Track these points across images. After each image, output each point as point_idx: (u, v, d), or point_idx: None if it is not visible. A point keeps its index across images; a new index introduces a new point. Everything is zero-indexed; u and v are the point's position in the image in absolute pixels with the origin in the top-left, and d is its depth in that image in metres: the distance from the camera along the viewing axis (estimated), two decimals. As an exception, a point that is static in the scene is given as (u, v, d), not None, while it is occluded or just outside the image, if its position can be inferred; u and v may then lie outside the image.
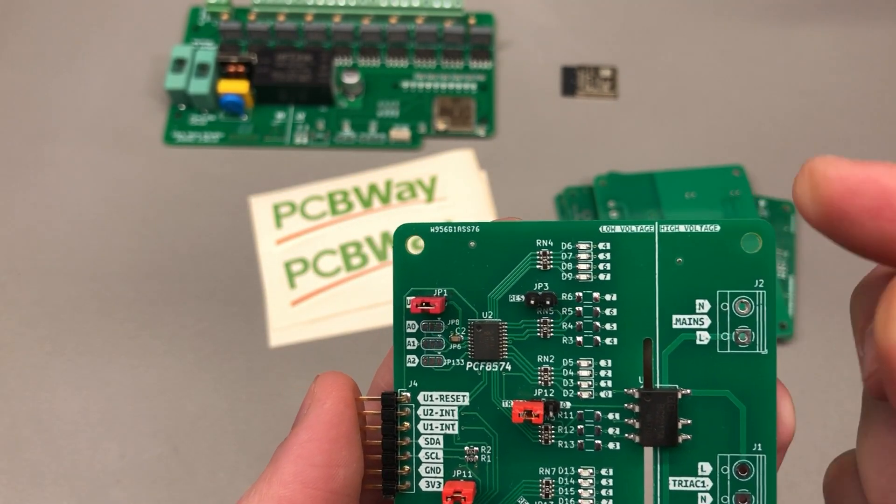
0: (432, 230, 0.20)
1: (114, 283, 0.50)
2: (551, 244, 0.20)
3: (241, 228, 0.51)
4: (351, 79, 0.55)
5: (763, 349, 0.19)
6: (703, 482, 0.19)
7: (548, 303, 0.19)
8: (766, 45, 0.58)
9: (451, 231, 0.20)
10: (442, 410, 0.20)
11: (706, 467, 0.19)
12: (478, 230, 0.20)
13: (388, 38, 0.57)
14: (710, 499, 0.19)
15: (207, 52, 0.55)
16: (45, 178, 0.53)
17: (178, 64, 0.54)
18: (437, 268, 0.20)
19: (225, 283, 0.50)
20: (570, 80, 0.56)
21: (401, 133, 0.54)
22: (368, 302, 0.49)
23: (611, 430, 0.19)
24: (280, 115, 0.55)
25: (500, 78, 0.57)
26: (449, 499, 0.19)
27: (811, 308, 0.48)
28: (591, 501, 0.20)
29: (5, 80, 0.57)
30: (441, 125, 0.54)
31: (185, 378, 0.47)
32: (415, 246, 0.20)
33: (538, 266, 0.20)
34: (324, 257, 0.50)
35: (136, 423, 0.46)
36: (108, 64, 0.58)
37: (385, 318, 0.49)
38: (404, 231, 0.20)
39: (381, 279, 0.50)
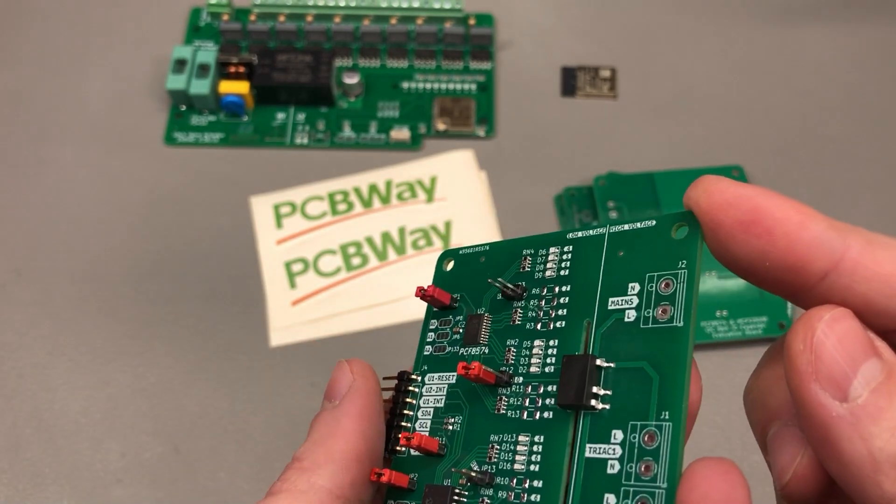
0: (461, 252, 0.25)
1: (114, 283, 0.50)
2: (532, 252, 0.24)
3: (241, 228, 0.51)
4: (351, 79, 0.55)
5: (679, 322, 0.20)
6: (613, 449, 0.20)
7: (519, 295, 0.23)
8: (766, 45, 0.58)
9: (470, 251, 0.25)
10: (437, 388, 0.24)
11: (618, 435, 0.20)
12: (487, 248, 0.25)
13: (388, 38, 0.57)
14: (618, 466, 0.20)
15: (208, 52, 0.55)
16: (46, 178, 0.53)
17: (179, 64, 0.54)
18: (459, 279, 0.25)
19: (225, 283, 0.50)
20: (570, 81, 0.57)
21: (401, 133, 0.54)
22: (368, 302, 0.49)
23: (548, 401, 0.21)
24: (280, 116, 0.55)
25: (500, 78, 0.57)
26: (405, 440, 0.22)
27: (811, 308, 0.48)
28: (523, 466, 0.21)
29: (7, 81, 0.57)
30: (441, 125, 0.55)
31: (185, 378, 0.47)
32: (448, 264, 0.25)
33: (521, 269, 0.24)
34: (324, 257, 0.51)
35: (136, 422, 0.46)
36: (109, 64, 0.58)
37: (385, 318, 0.49)
38: (444, 255, 0.26)
39: (381, 279, 0.50)
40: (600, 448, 0.20)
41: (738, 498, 0.17)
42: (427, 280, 0.25)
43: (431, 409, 0.24)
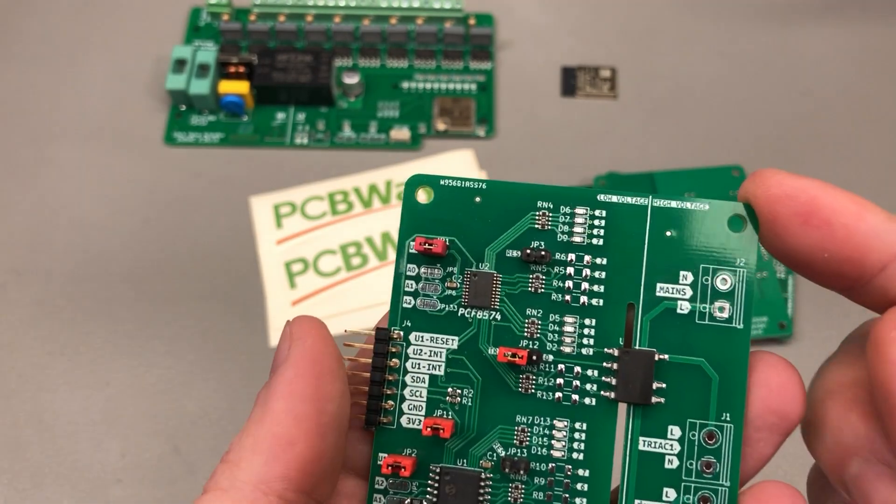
0: (442, 182, 0.21)
1: (114, 283, 0.50)
2: (551, 206, 0.21)
3: (241, 228, 0.51)
4: (351, 79, 0.55)
5: (739, 324, 0.20)
6: (671, 445, 0.20)
7: (542, 259, 0.20)
8: (766, 45, 0.58)
9: (459, 185, 0.21)
10: (431, 351, 0.21)
11: (676, 431, 0.20)
12: (484, 187, 0.21)
13: (388, 38, 0.57)
14: (676, 462, 0.20)
15: (208, 52, 0.55)
16: (46, 178, 0.53)
17: (179, 64, 0.54)
18: (442, 217, 0.21)
19: (225, 283, 0.50)
20: (570, 81, 0.57)
21: (401, 133, 0.54)
22: (368, 302, 0.49)
23: (588, 386, 0.20)
24: (280, 116, 0.55)
25: (500, 78, 0.57)
26: (429, 429, 0.20)
27: (811, 308, 0.48)
28: (563, 453, 0.20)
29: (7, 80, 0.57)
30: (441, 125, 0.55)
31: (185, 378, 0.47)
32: (424, 195, 0.21)
33: (536, 225, 0.21)
34: (324, 257, 0.51)
35: (136, 422, 0.46)
36: (109, 64, 0.58)
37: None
38: (415, 180, 0.21)
39: (381, 279, 0.50)
40: (656, 442, 0.20)
41: None
42: None
43: (425, 376, 0.21)
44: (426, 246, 0.20)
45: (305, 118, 0.55)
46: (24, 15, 0.60)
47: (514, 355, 0.20)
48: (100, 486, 0.44)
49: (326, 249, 0.51)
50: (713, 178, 0.51)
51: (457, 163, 0.53)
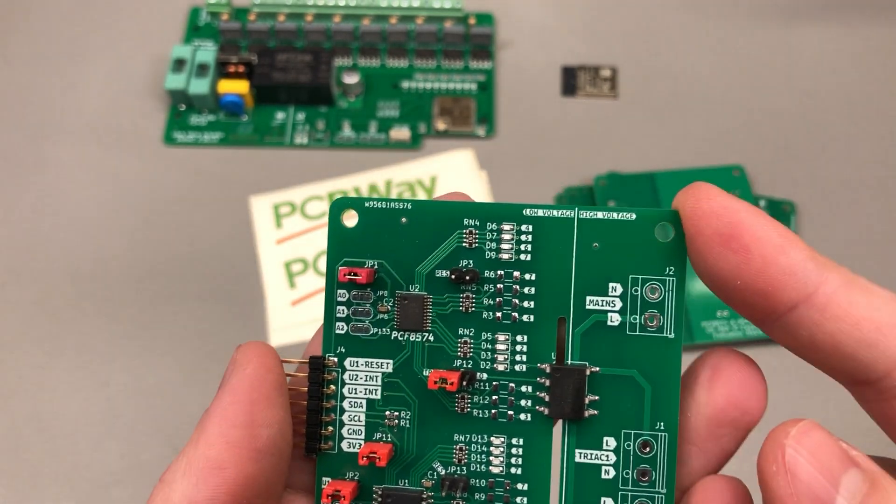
0: (367, 204, 0.21)
1: (114, 283, 0.50)
2: (477, 224, 0.21)
3: (241, 228, 0.51)
4: (351, 79, 0.55)
5: (670, 333, 0.20)
6: (607, 456, 0.20)
7: (470, 279, 0.20)
8: (766, 45, 0.58)
9: (384, 206, 0.21)
10: (366, 376, 0.21)
11: (611, 442, 0.20)
12: (410, 207, 0.21)
13: (388, 38, 0.57)
14: (612, 472, 0.20)
15: (207, 52, 0.55)
16: (45, 178, 0.53)
17: (179, 64, 0.54)
18: (369, 240, 0.21)
19: (225, 283, 0.50)
20: (570, 80, 0.57)
21: (401, 133, 0.54)
22: (368, 302, 0.49)
23: (523, 402, 0.20)
24: (280, 115, 0.55)
25: (500, 78, 0.57)
26: (365, 458, 0.20)
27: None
28: (502, 469, 0.20)
29: (6, 80, 0.57)
30: (441, 125, 0.54)
31: (185, 378, 0.47)
32: (349, 218, 0.21)
33: (464, 244, 0.21)
34: (324, 257, 0.50)
35: (136, 423, 0.46)
36: (108, 64, 0.58)
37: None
38: (340, 204, 0.21)
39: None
40: (592, 454, 0.20)
41: None
42: None
43: (363, 401, 0.21)
44: (350, 277, 0.20)
45: (305, 118, 0.55)
46: (24, 15, 0.60)
47: (444, 381, 0.20)
48: (100, 487, 0.44)
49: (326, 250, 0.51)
50: (713, 179, 0.51)
51: (457, 163, 0.53)
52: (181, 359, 0.47)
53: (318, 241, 0.51)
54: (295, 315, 0.49)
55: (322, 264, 0.50)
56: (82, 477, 0.45)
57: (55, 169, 0.54)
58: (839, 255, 0.50)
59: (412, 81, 0.56)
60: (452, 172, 0.53)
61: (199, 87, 0.54)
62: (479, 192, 0.52)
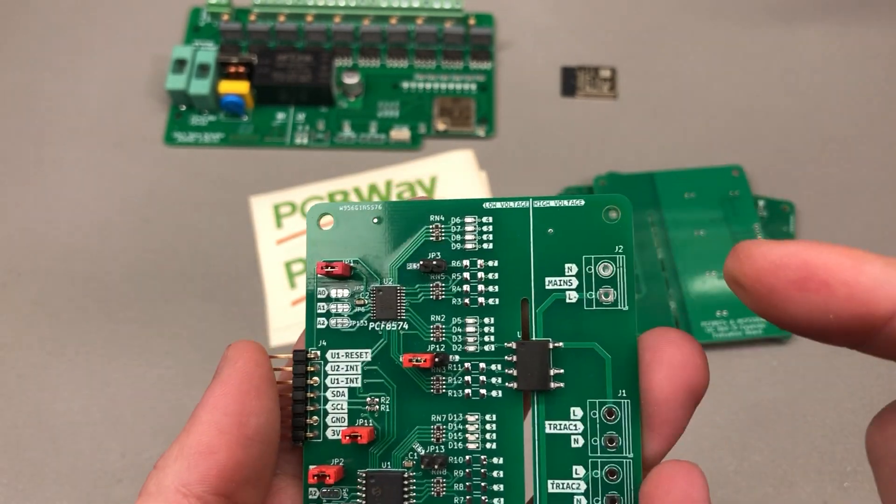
0: (341, 209, 0.23)
1: (114, 283, 0.50)
2: (443, 219, 0.22)
3: (241, 228, 0.51)
4: (351, 79, 0.55)
5: (624, 306, 0.21)
6: (575, 425, 0.21)
7: (439, 269, 0.22)
8: (766, 45, 0.58)
9: (357, 209, 0.23)
10: (347, 366, 0.22)
11: (577, 412, 0.21)
12: (380, 208, 0.23)
13: (388, 38, 0.57)
14: (581, 440, 0.21)
15: (208, 52, 0.55)
16: (46, 178, 0.53)
17: (179, 64, 0.54)
18: (345, 241, 0.23)
19: (225, 283, 0.50)
20: (570, 81, 0.57)
21: (401, 133, 0.54)
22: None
23: (494, 380, 0.22)
24: (280, 116, 0.55)
25: (500, 78, 0.57)
26: (347, 437, 0.21)
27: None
28: (478, 444, 0.22)
29: (6, 80, 0.57)
30: (441, 125, 0.55)
31: (185, 378, 0.47)
32: (326, 223, 0.23)
33: (431, 238, 0.22)
34: (324, 257, 0.50)
35: (136, 422, 0.46)
36: (108, 64, 0.58)
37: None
38: (316, 210, 0.23)
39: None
40: (561, 424, 0.21)
41: (697, 498, 0.18)
42: None
43: (345, 390, 0.22)
44: (327, 269, 0.22)
45: (305, 118, 0.55)
46: (24, 15, 0.60)
47: (417, 360, 0.21)
48: (100, 486, 0.44)
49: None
50: (713, 178, 0.51)
51: (457, 163, 0.53)
52: (181, 359, 0.48)
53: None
54: (295, 315, 0.49)
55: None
56: (82, 477, 0.45)
57: (56, 169, 0.54)
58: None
59: (412, 82, 0.56)
60: (452, 173, 0.53)
61: (200, 87, 0.54)
62: (480, 192, 0.52)
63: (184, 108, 0.55)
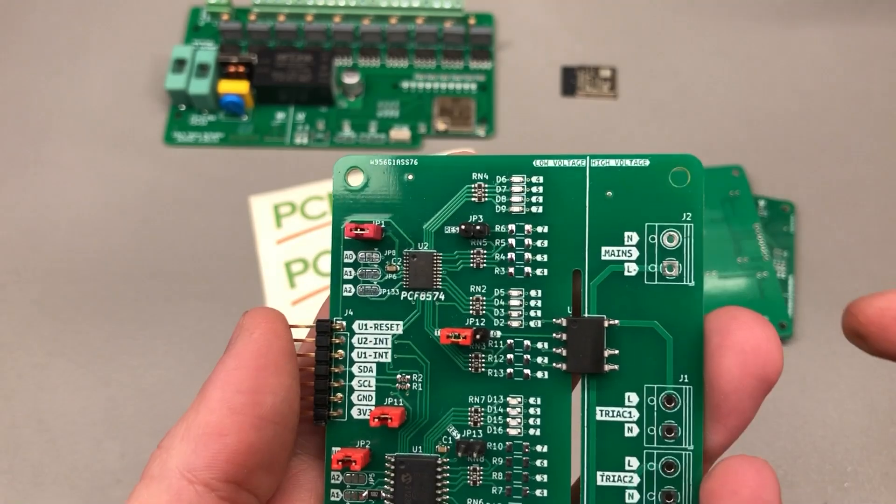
0: (371, 162, 0.20)
1: (114, 283, 0.50)
2: (486, 178, 0.20)
3: (241, 228, 0.51)
4: (351, 79, 0.55)
5: (690, 281, 0.19)
6: (629, 412, 0.19)
7: (481, 234, 0.20)
8: (766, 45, 0.58)
9: (389, 164, 0.20)
10: (376, 339, 0.20)
11: (633, 398, 0.19)
12: (416, 163, 0.20)
13: (388, 38, 0.57)
14: (636, 429, 0.19)
15: (208, 52, 0.55)
16: (46, 178, 0.53)
17: (179, 64, 0.54)
18: (375, 199, 0.20)
19: (225, 283, 0.50)
20: (570, 80, 0.57)
21: (401, 133, 0.54)
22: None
23: (539, 360, 0.20)
24: (280, 116, 0.55)
25: (500, 78, 0.57)
26: (376, 419, 0.19)
27: (811, 308, 0.48)
28: (520, 430, 0.20)
29: (6, 80, 0.57)
30: (441, 125, 0.54)
31: (185, 378, 0.47)
32: (355, 177, 0.20)
33: (473, 199, 0.20)
34: (324, 257, 0.51)
35: (136, 422, 0.46)
36: (108, 64, 0.58)
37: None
38: (344, 162, 0.20)
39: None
40: (614, 411, 0.19)
41: (768, 499, 0.17)
42: None
43: (373, 365, 0.20)
44: (357, 232, 0.20)
45: (305, 118, 0.55)
46: (24, 15, 0.60)
47: (457, 336, 0.19)
48: (100, 487, 0.44)
49: (326, 249, 0.51)
50: (713, 178, 0.51)
51: (457, 163, 0.53)
52: (181, 359, 0.47)
53: (318, 241, 0.51)
54: (296, 315, 0.49)
55: (322, 264, 0.50)
56: (82, 477, 0.45)
57: (55, 169, 0.54)
58: (839, 254, 0.50)
59: (412, 81, 0.56)
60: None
61: (200, 87, 0.54)
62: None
63: (183, 107, 0.55)
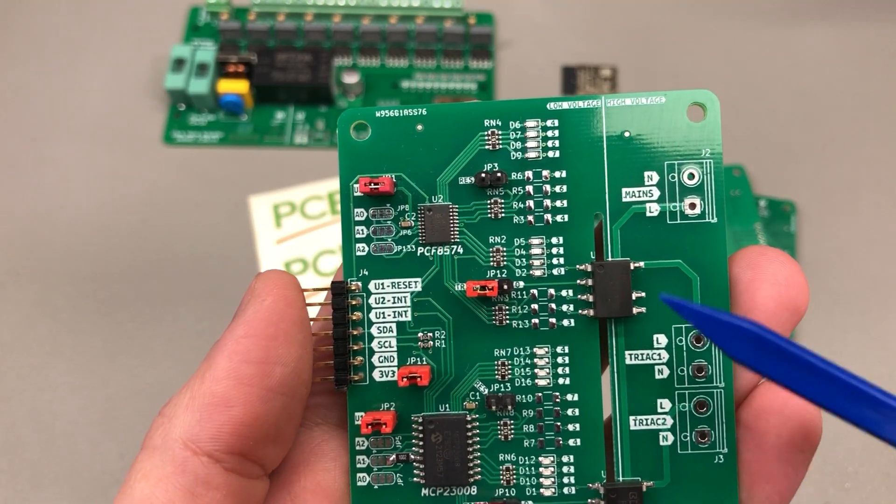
0: (378, 114, 0.20)
1: (114, 283, 0.50)
2: (499, 124, 0.19)
3: (241, 228, 0.51)
4: (351, 78, 0.55)
5: (713, 217, 0.19)
6: (659, 354, 0.19)
7: (498, 182, 0.19)
8: (766, 45, 0.58)
9: (397, 115, 0.20)
10: (394, 298, 0.20)
11: (662, 339, 0.19)
12: (425, 112, 0.20)
13: (387, 37, 0.57)
14: (667, 371, 0.19)
15: (207, 51, 0.55)
16: (45, 177, 0.53)
17: (178, 63, 0.54)
18: (384, 153, 0.20)
19: (225, 283, 0.50)
20: (570, 80, 0.56)
21: (401, 133, 0.54)
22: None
23: (565, 308, 0.19)
24: (280, 115, 0.55)
25: (500, 78, 0.57)
26: (405, 379, 0.19)
27: (811, 308, 0.48)
28: (549, 380, 0.19)
29: (5, 80, 0.57)
30: (441, 125, 0.54)
31: (185, 378, 0.47)
32: (361, 131, 0.20)
33: (487, 146, 0.19)
34: (324, 257, 0.50)
35: (135, 423, 0.46)
36: (107, 63, 0.58)
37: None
38: (349, 117, 0.20)
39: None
40: (643, 354, 0.19)
41: (813, 414, 0.17)
42: None
43: (393, 325, 0.20)
44: (372, 186, 0.19)
45: (305, 117, 0.55)
46: (24, 15, 0.60)
47: (483, 287, 0.19)
48: (99, 487, 0.44)
49: (326, 249, 0.51)
50: (713, 178, 0.51)
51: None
52: (181, 359, 0.47)
53: (317, 241, 0.51)
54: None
55: (322, 264, 0.50)
56: (82, 477, 0.44)
57: (55, 169, 0.54)
58: (839, 254, 0.50)
59: (412, 81, 0.56)
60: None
61: (199, 86, 0.54)
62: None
63: (183, 107, 0.55)
